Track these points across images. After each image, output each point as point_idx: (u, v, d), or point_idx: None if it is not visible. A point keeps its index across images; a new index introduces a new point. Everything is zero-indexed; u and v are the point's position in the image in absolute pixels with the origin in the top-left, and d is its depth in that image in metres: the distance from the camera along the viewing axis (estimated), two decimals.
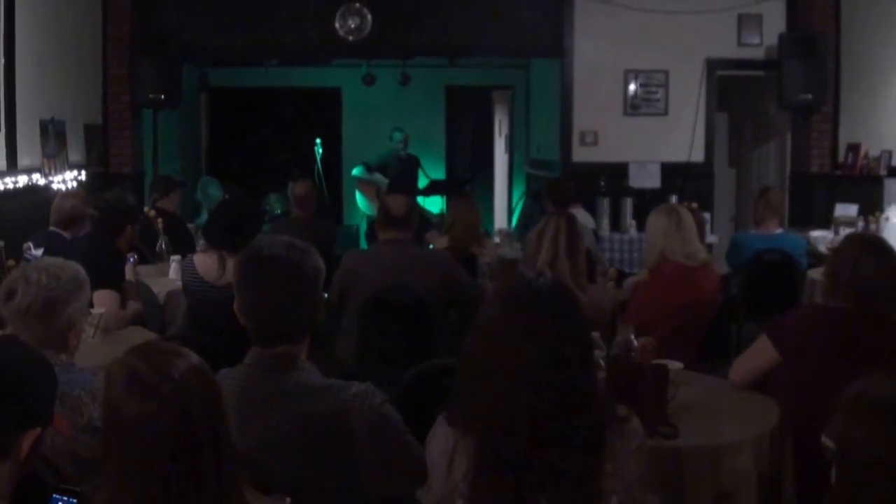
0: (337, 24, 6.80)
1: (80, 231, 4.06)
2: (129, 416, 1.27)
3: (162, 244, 4.64)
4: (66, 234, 4.10)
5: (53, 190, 5.23)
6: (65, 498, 1.42)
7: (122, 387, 1.29)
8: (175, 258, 4.31)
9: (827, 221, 6.09)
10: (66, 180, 5.41)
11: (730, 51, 7.02)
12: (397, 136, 8.31)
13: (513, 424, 1.50)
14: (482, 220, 5.31)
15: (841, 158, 6.82)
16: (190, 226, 5.56)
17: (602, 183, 6.77)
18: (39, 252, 3.61)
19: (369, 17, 6.78)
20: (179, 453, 1.27)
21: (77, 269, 2.23)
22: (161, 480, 1.26)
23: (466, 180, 9.32)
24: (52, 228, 4.14)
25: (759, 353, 2.57)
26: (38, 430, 1.38)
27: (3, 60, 4.72)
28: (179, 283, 3.69)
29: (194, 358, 1.36)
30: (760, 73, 7.09)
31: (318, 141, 8.96)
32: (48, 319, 2.10)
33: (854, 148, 6.63)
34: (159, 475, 1.26)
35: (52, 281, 2.13)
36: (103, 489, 1.32)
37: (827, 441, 1.37)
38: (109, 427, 1.31)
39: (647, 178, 6.92)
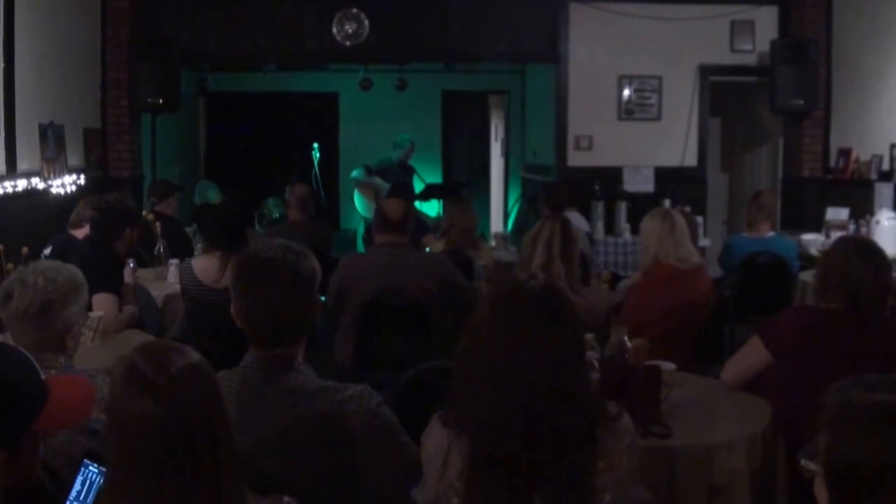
0: (334, 30, 6.83)
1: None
2: (127, 412, 1.26)
3: (160, 248, 4.65)
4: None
5: (52, 194, 5.25)
6: (94, 465, 1.42)
7: (122, 382, 1.29)
8: (173, 262, 4.31)
9: (818, 225, 6.11)
10: (65, 184, 5.42)
11: (723, 57, 7.07)
12: (406, 143, 8.15)
13: (506, 424, 1.51)
14: (478, 223, 5.31)
15: (832, 163, 6.86)
16: (188, 229, 5.56)
17: (596, 187, 6.79)
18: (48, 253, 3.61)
19: (366, 22, 6.81)
20: (176, 449, 1.26)
21: (74, 271, 2.23)
22: (158, 477, 1.25)
23: (463, 184, 9.34)
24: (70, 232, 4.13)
25: (751, 354, 2.60)
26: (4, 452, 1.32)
27: (2, 64, 4.73)
28: (177, 287, 3.71)
29: (194, 355, 1.35)
30: (753, 78, 7.13)
31: (315, 145, 8.98)
32: (45, 322, 2.10)
33: (845, 152, 6.67)
34: (156, 471, 1.25)
35: (49, 284, 2.12)
36: (104, 487, 1.32)
37: (808, 464, 1.27)
38: (110, 423, 1.30)
39: (640, 182, 6.96)
